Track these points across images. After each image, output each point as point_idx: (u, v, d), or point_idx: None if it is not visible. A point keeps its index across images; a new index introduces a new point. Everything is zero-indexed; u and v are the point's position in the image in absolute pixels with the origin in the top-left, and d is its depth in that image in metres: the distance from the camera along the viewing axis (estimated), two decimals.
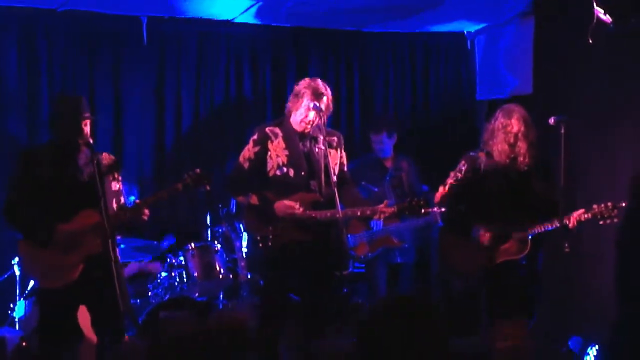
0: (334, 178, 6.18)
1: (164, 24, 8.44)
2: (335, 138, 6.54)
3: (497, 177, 6.50)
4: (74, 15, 8.04)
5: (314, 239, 6.36)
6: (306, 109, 6.30)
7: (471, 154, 6.65)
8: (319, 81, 6.44)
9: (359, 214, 6.43)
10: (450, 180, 6.64)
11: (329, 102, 6.39)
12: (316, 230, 6.35)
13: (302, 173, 6.37)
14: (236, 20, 8.64)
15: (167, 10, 8.26)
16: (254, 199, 6.40)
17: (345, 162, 6.65)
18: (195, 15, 8.43)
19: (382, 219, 6.86)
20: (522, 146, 6.44)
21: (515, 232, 6.39)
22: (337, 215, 6.12)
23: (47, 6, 7.90)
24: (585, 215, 6.25)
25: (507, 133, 6.45)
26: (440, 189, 6.68)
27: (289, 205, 6.28)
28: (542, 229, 6.35)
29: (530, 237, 6.38)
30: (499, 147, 6.47)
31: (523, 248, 6.41)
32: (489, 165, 6.53)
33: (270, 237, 6.32)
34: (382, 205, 6.34)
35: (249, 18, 8.58)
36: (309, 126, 6.36)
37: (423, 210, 6.35)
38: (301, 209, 6.28)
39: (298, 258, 6.36)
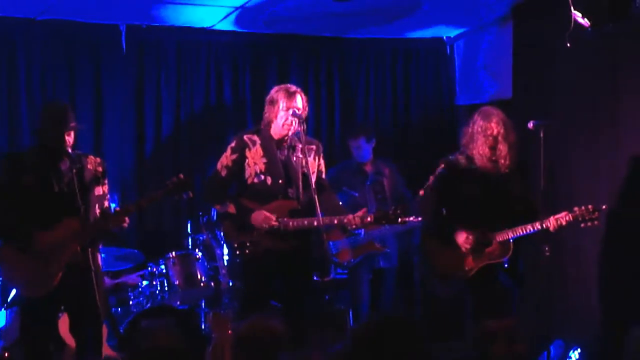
0: (313, 185, 6.18)
1: (143, 32, 8.42)
2: (314, 146, 6.58)
3: (477, 180, 6.49)
4: (52, 24, 8.03)
5: (292, 246, 6.37)
6: (285, 112, 6.34)
7: (450, 157, 6.64)
8: (289, 84, 6.58)
9: (335, 222, 6.43)
10: (429, 184, 6.64)
11: (304, 102, 6.47)
12: (294, 238, 6.36)
13: (280, 181, 6.39)
14: (216, 28, 8.63)
15: (146, 19, 8.25)
16: (231, 208, 6.43)
17: (323, 169, 6.70)
18: (175, 23, 8.43)
19: (359, 228, 6.88)
20: (502, 149, 6.43)
21: (498, 235, 6.40)
22: (316, 223, 6.14)
23: (25, 15, 7.88)
24: (567, 218, 6.24)
25: (486, 136, 6.43)
26: (421, 193, 6.68)
27: (266, 216, 6.29)
28: (524, 232, 6.35)
29: (512, 240, 6.39)
30: (479, 151, 6.46)
31: (506, 251, 6.42)
32: (468, 168, 6.53)
33: (248, 244, 6.33)
34: (358, 214, 6.35)
35: (228, 25, 8.58)
36: (292, 129, 6.37)
37: (400, 220, 6.36)
38: (276, 223, 6.28)
39: (276, 265, 6.37)
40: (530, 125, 6.38)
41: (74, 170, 5.65)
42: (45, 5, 7.61)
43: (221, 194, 6.54)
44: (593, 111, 7.34)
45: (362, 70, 9.43)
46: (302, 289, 6.55)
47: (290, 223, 6.30)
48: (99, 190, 6.05)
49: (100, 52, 8.34)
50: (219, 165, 6.52)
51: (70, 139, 5.88)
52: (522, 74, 8.21)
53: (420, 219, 6.80)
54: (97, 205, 5.99)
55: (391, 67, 9.54)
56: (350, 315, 7.95)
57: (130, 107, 8.48)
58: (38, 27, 8.01)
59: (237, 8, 7.97)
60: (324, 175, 6.69)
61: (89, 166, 6.01)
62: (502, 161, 6.43)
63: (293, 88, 6.51)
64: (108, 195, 6.19)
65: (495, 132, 6.42)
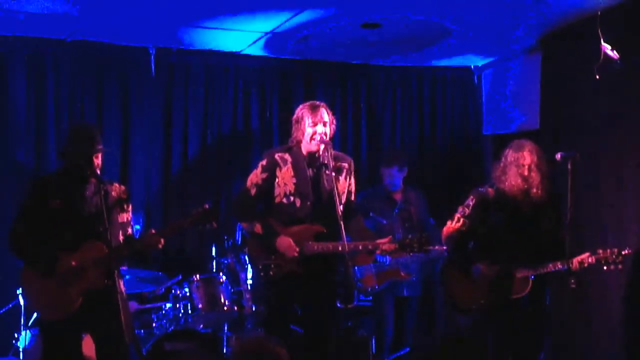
0: (339, 210, 6.06)
1: (172, 55, 8.48)
2: (346, 165, 6.42)
3: (507, 213, 6.46)
4: (82, 46, 8.08)
5: (316, 271, 6.29)
6: (312, 128, 6.26)
7: (480, 189, 6.62)
8: (313, 101, 6.49)
9: (360, 247, 6.36)
10: (458, 215, 6.60)
11: (330, 115, 6.35)
12: (318, 262, 6.29)
13: (308, 203, 6.31)
14: (244, 52, 8.68)
15: (175, 42, 8.30)
16: (258, 228, 6.34)
17: (353, 190, 6.52)
18: (204, 47, 8.47)
19: (383, 254, 6.83)
20: (535, 177, 6.39)
21: (518, 271, 6.36)
22: (340, 249, 6.08)
23: (56, 36, 7.94)
24: (590, 260, 6.20)
25: (519, 166, 6.40)
26: (448, 223, 6.64)
27: (290, 246, 6.21)
28: (545, 271, 6.33)
29: (532, 277, 6.36)
30: (512, 181, 6.41)
31: (524, 287, 6.37)
32: (498, 201, 6.49)
33: (272, 266, 6.27)
34: (384, 240, 6.29)
35: (257, 50, 8.62)
36: (323, 141, 6.24)
37: (424, 248, 6.30)
38: (297, 254, 6.21)
39: (299, 289, 6.31)
40: (558, 156, 6.33)
41: (101, 194, 5.64)
42: (75, 27, 7.66)
43: (250, 212, 6.44)
44: (621, 143, 7.30)
45: (389, 97, 9.45)
46: (326, 315, 6.47)
47: (315, 247, 6.25)
48: (122, 217, 6.04)
49: (129, 74, 8.40)
50: (248, 183, 6.42)
51: (98, 161, 5.87)
52: (550, 105, 8.18)
53: (444, 247, 6.78)
54: (120, 232, 5.99)
55: (418, 95, 9.56)
56: (373, 342, 7.91)
57: (158, 129, 8.53)
58: (68, 48, 8.06)
59: (266, 33, 8.01)
60: (353, 197, 6.53)
61: (113, 193, 5.99)
62: (535, 190, 6.39)
63: (317, 103, 6.40)
64: (132, 223, 6.19)
65: (528, 161, 6.40)
